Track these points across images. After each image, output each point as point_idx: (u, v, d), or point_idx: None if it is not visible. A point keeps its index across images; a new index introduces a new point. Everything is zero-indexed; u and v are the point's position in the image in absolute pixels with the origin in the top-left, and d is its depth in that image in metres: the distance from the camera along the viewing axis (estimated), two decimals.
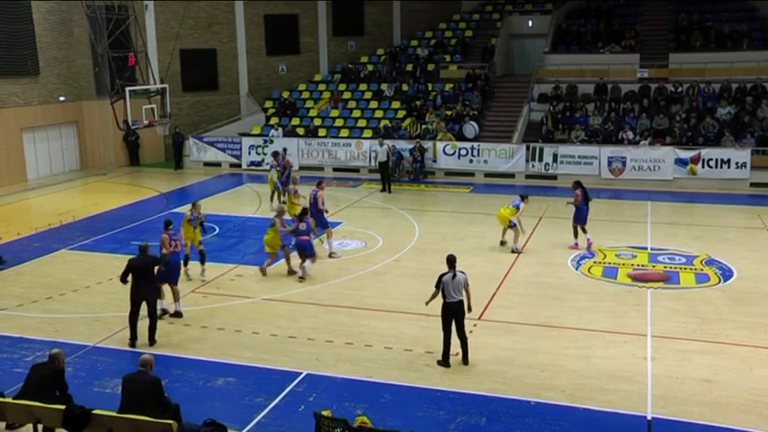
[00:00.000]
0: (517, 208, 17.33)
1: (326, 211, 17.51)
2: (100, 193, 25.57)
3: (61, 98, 28.67)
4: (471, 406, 10.11)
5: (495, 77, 31.93)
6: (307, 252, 15.54)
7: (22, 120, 26.94)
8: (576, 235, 17.61)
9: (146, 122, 25.61)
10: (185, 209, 16.37)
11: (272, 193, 22.12)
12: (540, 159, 26.23)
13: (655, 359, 11.49)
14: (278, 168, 22.22)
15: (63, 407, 8.21)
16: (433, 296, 11.35)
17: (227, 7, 32.41)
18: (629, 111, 27.75)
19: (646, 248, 17.52)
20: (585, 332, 12.64)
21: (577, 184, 17.74)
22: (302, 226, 15.50)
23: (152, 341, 12.27)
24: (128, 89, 24.17)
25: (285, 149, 24.77)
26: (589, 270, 15.97)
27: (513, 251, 17.31)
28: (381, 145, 25.73)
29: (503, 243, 17.84)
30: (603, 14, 32.82)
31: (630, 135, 26.23)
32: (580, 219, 17.47)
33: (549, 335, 12.55)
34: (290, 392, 10.56)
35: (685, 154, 24.95)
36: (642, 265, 16.28)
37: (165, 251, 13.28)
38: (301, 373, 11.10)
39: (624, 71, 29.34)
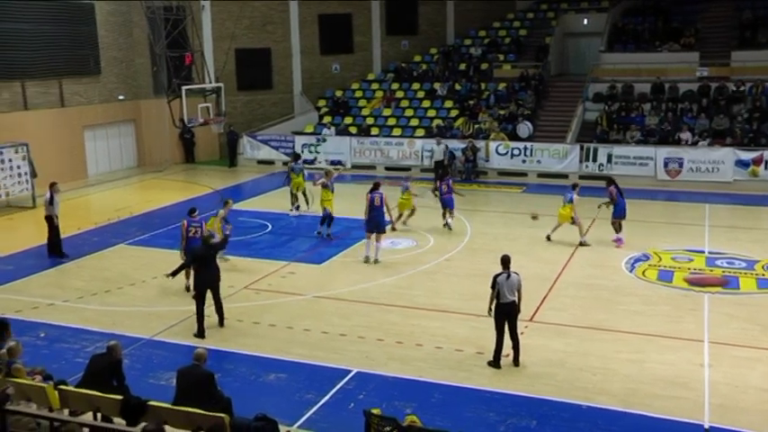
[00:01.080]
0: (572, 201, 17.58)
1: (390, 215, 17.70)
2: (156, 189, 26.14)
3: (120, 97, 29.39)
4: (521, 408, 10.03)
5: (550, 77, 31.55)
6: (449, 206, 19.10)
7: (84, 118, 27.71)
8: (617, 230, 17.72)
9: (201, 121, 26.11)
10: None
11: (304, 193, 21.60)
12: (595, 160, 25.82)
13: (712, 366, 11.19)
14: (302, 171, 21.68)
15: (120, 397, 8.43)
16: (492, 298, 11.23)
17: (281, 7, 32.77)
18: (687, 111, 27.09)
19: (703, 252, 17.10)
20: (639, 336, 12.40)
21: (610, 181, 18.06)
22: (444, 188, 19.08)
23: (221, 323, 12.80)
24: (184, 88, 24.69)
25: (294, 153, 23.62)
26: (643, 273, 15.67)
27: (581, 244, 17.68)
28: (438, 144, 25.59)
29: (549, 238, 17.94)
30: (662, 12, 32.09)
31: (688, 135, 25.61)
32: (620, 213, 17.69)
33: (601, 338, 12.36)
34: (340, 390, 10.63)
35: (747, 155, 24.24)
36: (699, 269, 15.89)
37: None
38: (351, 371, 11.17)
39: (683, 70, 28.60)
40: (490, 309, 11.28)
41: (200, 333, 12.54)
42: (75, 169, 27.15)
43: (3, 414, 8.00)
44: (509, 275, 11.14)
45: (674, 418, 9.72)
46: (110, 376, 9.09)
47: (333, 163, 28.55)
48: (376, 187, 17.16)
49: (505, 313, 11.15)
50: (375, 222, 16.73)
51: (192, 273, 13.59)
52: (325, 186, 18.56)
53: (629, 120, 27.49)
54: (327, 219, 18.54)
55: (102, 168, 28.91)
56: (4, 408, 7.97)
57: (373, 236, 16.73)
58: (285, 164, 21.47)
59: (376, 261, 16.63)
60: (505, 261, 11.32)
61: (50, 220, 17.22)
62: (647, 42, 30.86)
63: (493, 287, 11.16)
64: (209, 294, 12.63)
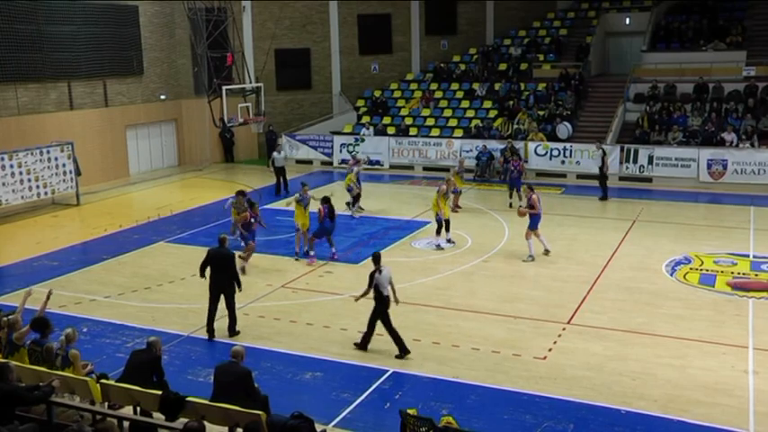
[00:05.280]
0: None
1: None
2: (196, 188, 26.47)
3: (162, 97, 29.83)
4: (559, 411, 9.93)
5: (590, 77, 31.17)
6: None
7: (127, 117, 28.19)
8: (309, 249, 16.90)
9: (241, 120, 26.36)
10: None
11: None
12: (635, 161, 25.43)
13: (757, 373, 10.94)
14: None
15: (160, 392, 8.56)
16: (365, 293, 11.82)
17: (321, 7, 32.95)
18: (731, 111, 26.53)
19: (748, 256, 16.72)
20: (680, 341, 12.19)
21: (325, 200, 16.83)
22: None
23: (232, 333, 12.57)
24: (224, 88, 24.96)
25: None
26: (685, 277, 15.38)
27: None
28: (598, 149, 23.82)
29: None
30: (708, 10, 31.48)
31: (732, 137, 25.06)
32: (321, 231, 16.83)
33: (641, 342, 12.17)
34: (376, 389, 10.65)
35: None
36: (743, 274, 15.54)
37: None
38: (388, 371, 11.18)
39: (728, 69, 28.01)
40: (359, 299, 12.07)
41: (209, 333, 12.52)
42: (117, 168, 27.65)
43: (49, 405, 8.20)
44: (381, 270, 11.61)
45: (717, 425, 9.52)
46: (149, 372, 9.24)
47: (371, 163, 28.55)
48: (531, 189, 17.35)
49: (387, 305, 11.66)
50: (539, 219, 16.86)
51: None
52: (445, 194, 18.25)
53: (671, 120, 27.02)
54: (446, 224, 18.08)
55: (143, 167, 29.39)
56: (49, 399, 8.17)
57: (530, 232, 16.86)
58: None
59: (547, 251, 16.86)
60: (377, 258, 11.82)
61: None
62: (692, 41, 30.32)
63: (370, 284, 11.66)
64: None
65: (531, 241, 16.73)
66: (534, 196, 16.75)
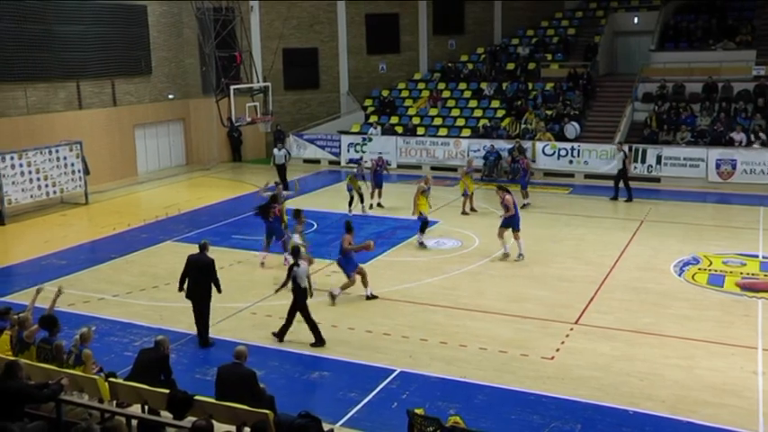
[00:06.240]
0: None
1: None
2: (203, 187, 26.52)
3: (170, 96, 29.90)
4: (566, 412, 9.90)
5: (598, 76, 31.10)
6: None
7: (135, 116, 28.27)
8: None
9: (248, 120, 26.41)
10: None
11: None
12: (643, 161, 25.34)
13: (766, 374, 10.89)
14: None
15: (167, 391, 8.58)
16: (283, 285, 12.29)
17: (329, 7, 32.97)
18: (741, 111, 26.41)
19: (757, 256, 16.64)
20: (688, 341, 12.14)
21: (272, 199, 16.69)
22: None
23: (202, 340, 12.35)
24: (232, 87, 25.01)
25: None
26: (693, 277, 15.32)
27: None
28: (619, 151, 23.51)
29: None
30: (717, 9, 31.35)
31: (742, 136, 24.94)
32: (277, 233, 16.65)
33: (648, 342, 12.12)
34: (383, 389, 10.64)
35: None
36: (752, 274, 15.46)
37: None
38: (395, 371, 11.17)
39: (738, 69, 27.86)
40: (279, 290, 12.46)
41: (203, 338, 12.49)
42: (125, 167, 27.74)
43: (57, 403, 8.24)
44: (299, 265, 12.16)
45: (725, 426, 9.48)
46: (157, 370, 9.26)
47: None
48: (504, 190, 17.24)
49: (305, 298, 12.16)
50: (518, 219, 16.88)
51: None
52: (423, 192, 18.17)
53: (679, 120, 26.92)
54: (425, 224, 18.01)
55: (151, 166, 29.47)
56: (58, 397, 8.21)
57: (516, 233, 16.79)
58: None
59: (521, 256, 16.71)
60: (296, 252, 12.41)
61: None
62: (701, 41, 30.20)
63: (289, 276, 12.17)
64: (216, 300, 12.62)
65: (504, 239, 16.74)
66: (508, 197, 16.68)
